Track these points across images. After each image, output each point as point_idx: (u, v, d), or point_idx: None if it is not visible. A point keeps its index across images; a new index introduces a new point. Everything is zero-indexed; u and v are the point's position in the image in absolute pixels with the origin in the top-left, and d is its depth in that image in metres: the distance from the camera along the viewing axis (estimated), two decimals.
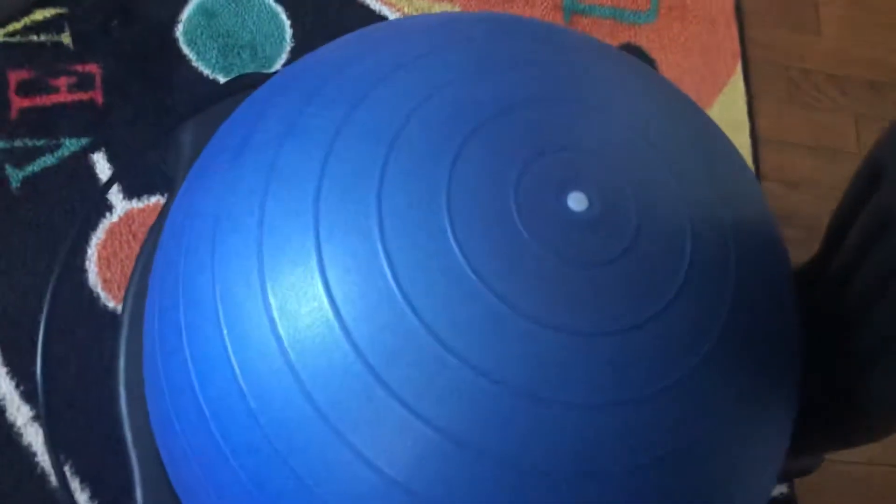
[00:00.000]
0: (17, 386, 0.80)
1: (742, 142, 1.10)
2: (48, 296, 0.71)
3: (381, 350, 0.42)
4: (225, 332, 0.45)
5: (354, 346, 0.42)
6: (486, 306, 0.42)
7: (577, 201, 0.44)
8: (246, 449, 0.45)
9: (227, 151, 0.51)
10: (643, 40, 1.13)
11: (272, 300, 0.44)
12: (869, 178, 0.48)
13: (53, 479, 0.78)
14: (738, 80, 1.14)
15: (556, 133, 0.47)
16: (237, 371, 0.45)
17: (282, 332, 0.44)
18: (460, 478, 0.42)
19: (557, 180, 0.45)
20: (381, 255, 0.43)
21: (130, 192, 0.89)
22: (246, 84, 0.71)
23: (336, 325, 0.43)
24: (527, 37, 0.53)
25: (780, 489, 0.94)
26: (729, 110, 1.11)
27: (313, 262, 0.44)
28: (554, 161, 0.45)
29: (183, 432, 0.49)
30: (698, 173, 0.49)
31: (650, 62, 1.11)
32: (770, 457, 0.50)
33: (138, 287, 0.64)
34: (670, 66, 1.12)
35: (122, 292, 0.85)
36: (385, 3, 1.05)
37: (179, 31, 0.97)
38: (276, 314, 0.44)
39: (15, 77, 0.91)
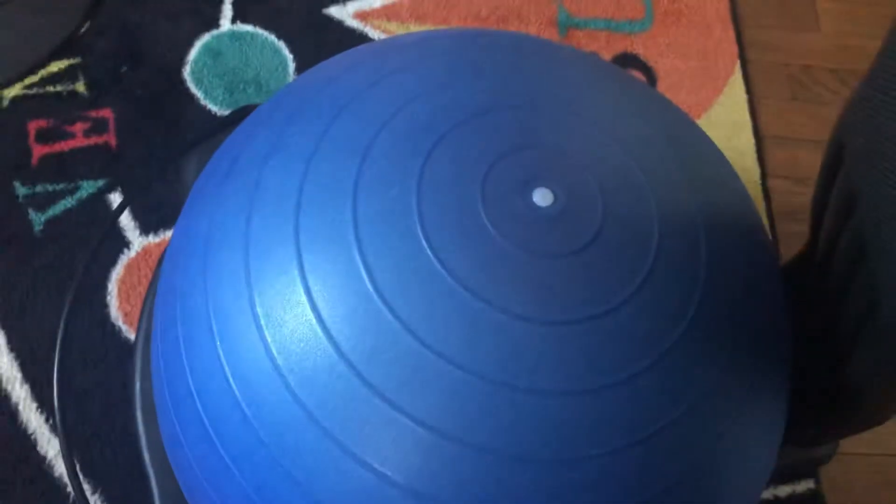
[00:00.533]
0: (47, 420, 0.84)
1: (745, 141, 1.10)
2: (61, 330, 0.74)
3: (362, 350, 0.44)
4: (218, 342, 0.48)
5: (337, 347, 0.44)
6: (459, 302, 0.44)
7: (542, 197, 0.46)
8: (243, 454, 0.47)
9: (217, 175, 0.54)
10: (640, 48, 1.14)
11: (259, 309, 0.46)
12: (834, 160, 0.49)
13: None
14: (737, 81, 1.15)
15: (521, 135, 0.48)
16: (231, 379, 0.47)
17: (269, 338, 0.46)
18: (445, 469, 0.43)
19: (523, 178, 0.47)
20: (358, 260, 0.45)
21: (146, 228, 0.93)
22: (245, 114, 0.75)
23: (318, 328, 0.45)
24: (496, 47, 0.55)
25: (806, 484, 0.93)
26: (730, 111, 1.12)
27: (295, 271, 0.46)
28: (519, 160, 0.47)
29: (188, 444, 0.51)
30: (667, 166, 0.51)
31: (647, 70, 1.13)
32: (761, 437, 0.51)
33: (150, 312, 0.66)
34: (668, 72, 1.13)
35: None
36: (384, 32, 1.09)
37: (187, 71, 1.01)
38: (263, 322, 0.46)
39: (34, 126, 0.96)
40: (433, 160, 0.47)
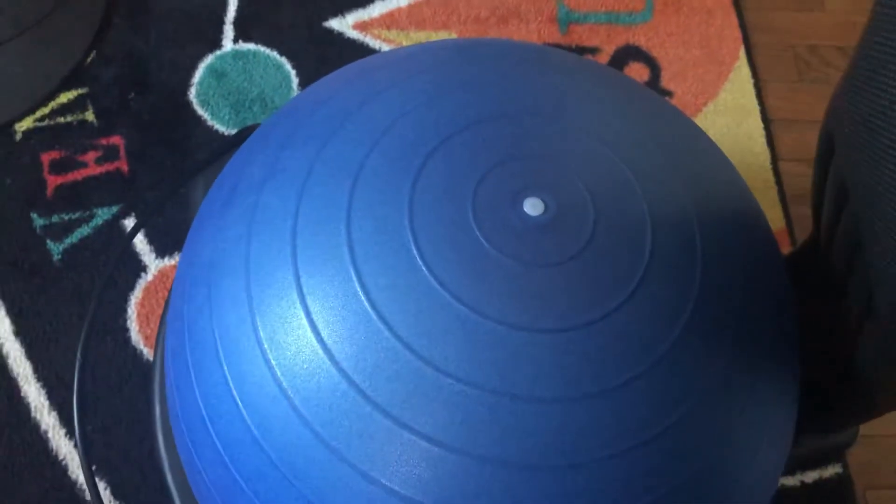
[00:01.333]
0: (76, 445, 0.86)
1: (754, 125, 1.09)
2: (79, 356, 0.75)
3: (364, 368, 0.45)
4: (225, 368, 0.49)
5: (339, 367, 0.45)
6: (455, 315, 0.44)
7: (532, 206, 0.46)
8: (256, 476, 0.48)
9: (217, 201, 0.55)
10: (641, 39, 1.14)
11: (262, 333, 0.47)
12: (825, 149, 0.49)
13: None
14: (742, 66, 1.14)
15: (510, 145, 0.49)
16: (239, 403, 0.48)
17: (273, 361, 0.47)
18: (452, 481, 0.44)
19: (513, 189, 0.47)
20: (355, 279, 0.46)
21: (161, 251, 0.94)
22: (248, 135, 0.76)
23: (320, 349, 0.46)
24: (483, 57, 0.55)
25: (833, 469, 0.92)
26: (737, 96, 1.12)
27: (294, 294, 0.47)
28: (509, 171, 0.47)
29: (203, 467, 0.52)
30: (659, 167, 0.51)
31: (651, 60, 1.12)
32: (770, 432, 0.51)
33: (164, 338, 0.68)
34: (671, 62, 1.13)
35: None
36: (385, 41, 1.09)
37: (192, 94, 1.03)
38: (266, 346, 0.47)
39: (47, 158, 0.98)
40: (424, 176, 0.47)
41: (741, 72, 1.14)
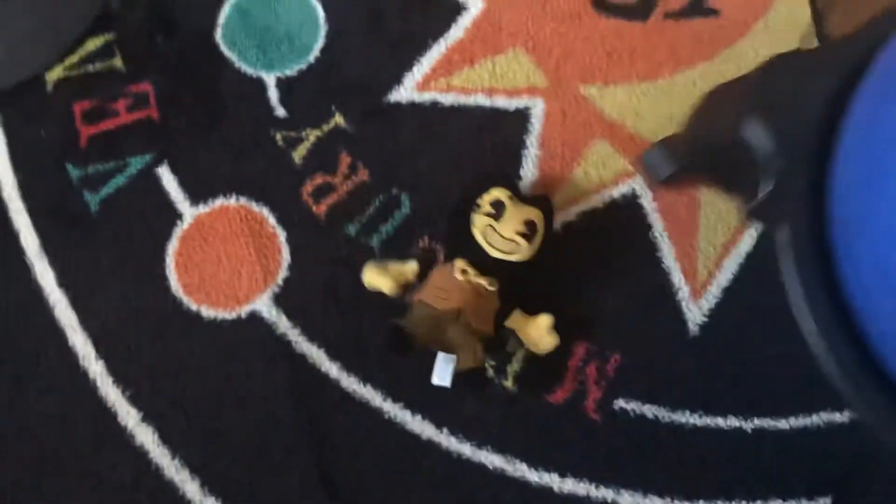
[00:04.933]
0: (124, 392, 0.88)
1: (808, 42, 1.02)
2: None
3: None
4: None
5: None
6: None
7: None
8: None
9: None
10: None
11: None
12: None
13: (165, 473, 0.85)
14: None
15: None
16: None
17: None
18: None
19: None
20: None
21: (195, 198, 0.94)
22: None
23: None
24: None
25: None
26: (792, 9, 1.04)
27: None
28: None
29: None
30: None
31: None
32: None
33: None
34: None
35: (201, 295, 0.90)
36: None
37: (219, 35, 1.01)
38: None
39: (79, 108, 0.98)
40: None
41: None
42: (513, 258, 0.83)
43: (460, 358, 0.81)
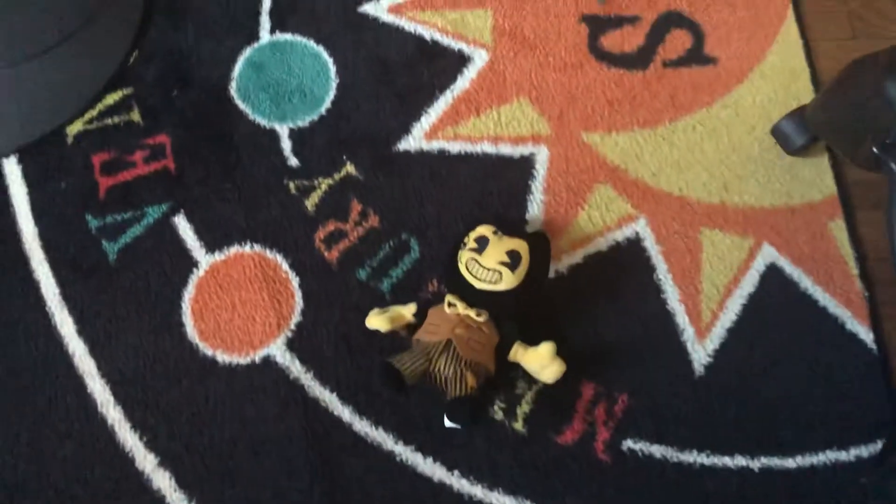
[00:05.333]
0: (141, 437, 0.89)
1: (804, 88, 1.06)
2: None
3: None
4: None
5: None
6: None
7: None
8: None
9: None
10: (684, 4, 1.10)
11: None
12: None
13: None
14: (790, 26, 1.10)
15: None
16: None
17: None
18: None
19: None
20: None
21: (211, 246, 0.97)
22: None
23: None
24: None
25: None
26: (786, 59, 1.08)
27: None
28: None
29: None
30: None
31: (693, 26, 1.09)
32: None
33: None
34: (716, 26, 1.09)
35: (217, 340, 0.93)
36: (420, 23, 1.08)
37: (233, 88, 1.04)
38: None
39: (98, 160, 1.01)
40: None
41: (789, 32, 1.09)
42: (498, 288, 0.86)
43: (450, 388, 0.84)
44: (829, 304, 0.95)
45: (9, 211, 0.98)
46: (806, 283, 0.96)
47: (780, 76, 1.07)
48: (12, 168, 1.00)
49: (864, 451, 0.89)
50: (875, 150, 0.80)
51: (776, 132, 1.02)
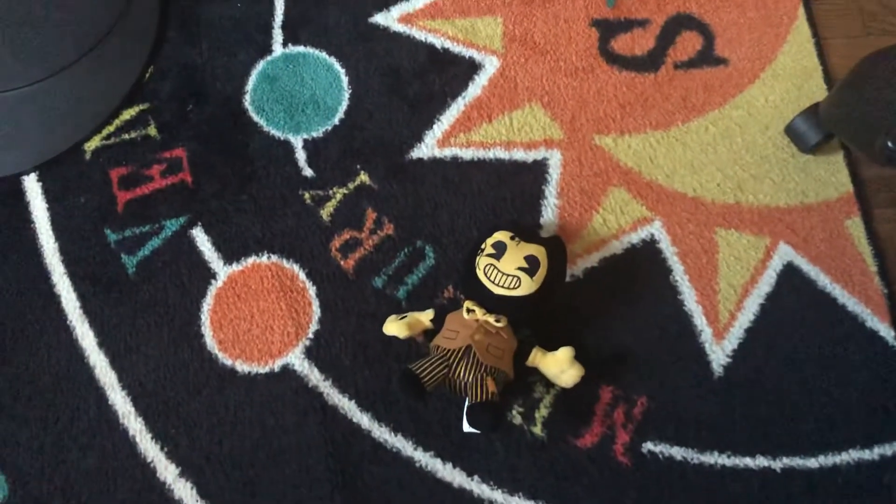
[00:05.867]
0: (162, 448, 0.90)
1: (816, 87, 1.05)
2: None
3: None
4: None
5: None
6: None
7: None
8: None
9: None
10: (694, 6, 1.11)
11: None
12: None
13: None
14: (801, 25, 1.10)
15: None
16: None
17: None
18: None
19: None
20: None
21: (228, 257, 0.98)
22: None
23: None
24: None
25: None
26: (797, 58, 1.07)
27: None
28: None
29: None
30: None
31: (703, 28, 1.09)
32: None
33: None
34: (726, 27, 1.09)
35: (236, 350, 0.93)
36: (431, 31, 1.09)
37: (247, 101, 1.05)
38: None
39: (116, 175, 1.02)
40: None
41: (800, 31, 1.09)
42: (516, 293, 0.86)
43: (470, 393, 0.84)
44: (848, 301, 0.95)
45: (30, 227, 1.00)
46: (824, 281, 0.96)
47: (793, 75, 1.06)
48: (32, 185, 1.02)
49: (889, 449, 0.89)
50: (890, 144, 0.80)
51: (790, 130, 1.01)
